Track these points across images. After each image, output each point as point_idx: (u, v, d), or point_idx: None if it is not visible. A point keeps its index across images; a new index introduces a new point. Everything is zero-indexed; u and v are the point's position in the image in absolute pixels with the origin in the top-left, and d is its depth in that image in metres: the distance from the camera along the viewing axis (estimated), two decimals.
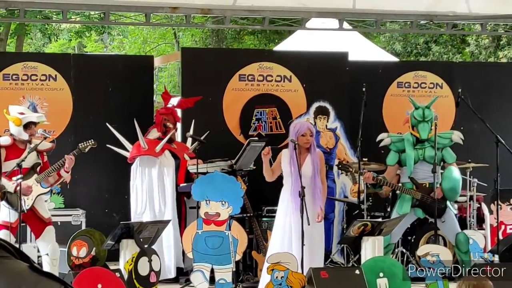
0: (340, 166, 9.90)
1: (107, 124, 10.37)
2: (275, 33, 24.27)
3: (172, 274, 9.85)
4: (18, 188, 8.45)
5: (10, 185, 8.54)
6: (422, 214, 9.52)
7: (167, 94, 10.70)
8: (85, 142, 8.99)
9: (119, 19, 12.26)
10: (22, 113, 8.89)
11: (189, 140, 10.52)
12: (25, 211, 8.57)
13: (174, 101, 10.80)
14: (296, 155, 8.43)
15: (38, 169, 8.83)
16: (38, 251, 8.89)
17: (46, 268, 8.05)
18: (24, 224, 8.75)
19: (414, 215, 9.56)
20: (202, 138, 10.08)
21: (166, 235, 9.51)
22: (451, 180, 9.42)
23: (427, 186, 9.48)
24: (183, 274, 9.97)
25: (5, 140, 8.80)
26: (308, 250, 8.28)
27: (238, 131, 11.41)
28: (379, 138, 9.75)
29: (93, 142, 9.03)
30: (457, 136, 9.68)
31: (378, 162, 10.51)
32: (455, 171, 9.51)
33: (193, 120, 10.62)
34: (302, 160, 8.56)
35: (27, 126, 8.77)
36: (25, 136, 8.76)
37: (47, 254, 8.67)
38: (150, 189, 10.00)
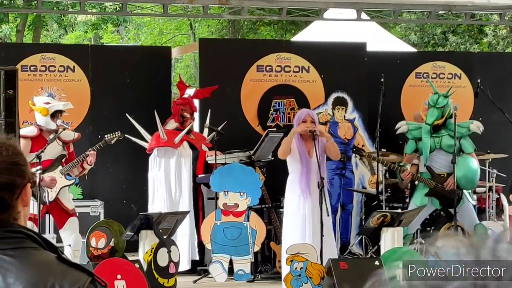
0: (354, 149, 9.85)
1: (127, 114, 10.36)
2: (292, 24, 24.16)
3: (186, 266, 9.70)
4: (40, 179, 8.43)
5: None
6: (439, 204, 9.47)
7: (182, 83, 10.66)
8: (111, 134, 8.94)
9: (135, 10, 12.25)
10: (47, 103, 8.88)
11: (206, 130, 10.51)
12: (47, 203, 8.57)
13: (190, 91, 10.78)
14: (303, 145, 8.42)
15: (63, 160, 8.83)
16: (57, 242, 8.90)
17: None
18: (47, 213, 8.75)
19: (432, 206, 9.50)
20: (219, 128, 10.07)
21: (180, 227, 9.36)
22: (464, 168, 9.31)
23: (445, 176, 9.41)
24: (199, 266, 9.91)
25: (31, 131, 8.77)
26: (325, 240, 8.24)
27: (256, 122, 11.39)
28: (397, 126, 9.72)
29: (119, 134, 8.97)
30: (476, 126, 9.55)
31: (396, 152, 10.47)
32: (470, 160, 9.38)
33: (209, 110, 10.60)
34: (309, 149, 8.50)
35: (54, 115, 8.77)
36: (53, 125, 8.76)
37: (69, 245, 8.68)
38: (167, 180, 9.98)
